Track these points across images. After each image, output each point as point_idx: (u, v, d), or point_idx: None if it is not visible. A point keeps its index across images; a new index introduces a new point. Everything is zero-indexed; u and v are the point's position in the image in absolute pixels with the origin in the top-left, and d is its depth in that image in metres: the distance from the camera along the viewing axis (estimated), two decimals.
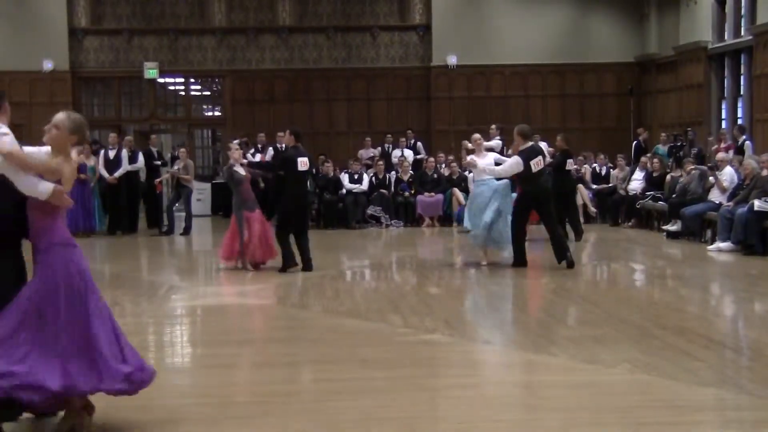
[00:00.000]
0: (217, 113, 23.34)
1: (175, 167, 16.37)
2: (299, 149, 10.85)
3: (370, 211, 17.44)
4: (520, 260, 10.76)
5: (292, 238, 10.78)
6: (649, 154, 17.61)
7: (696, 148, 16.98)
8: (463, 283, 10.32)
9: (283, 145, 17.42)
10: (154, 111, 22.23)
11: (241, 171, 11.19)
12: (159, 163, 17.59)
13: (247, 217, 10.95)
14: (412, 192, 17.69)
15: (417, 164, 18.74)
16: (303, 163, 10.68)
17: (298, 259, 10.72)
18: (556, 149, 15.00)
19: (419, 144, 19.92)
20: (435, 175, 17.86)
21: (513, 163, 10.79)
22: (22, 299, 4.48)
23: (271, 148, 17.91)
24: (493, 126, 16.64)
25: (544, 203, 10.86)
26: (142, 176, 17.34)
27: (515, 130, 11.04)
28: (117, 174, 16.27)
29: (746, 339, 7.11)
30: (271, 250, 11.00)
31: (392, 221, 17.38)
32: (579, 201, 16.65)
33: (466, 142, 11.93)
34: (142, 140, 20.16)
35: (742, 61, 18.60)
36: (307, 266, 10.74)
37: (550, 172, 13.45)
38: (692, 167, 14.64)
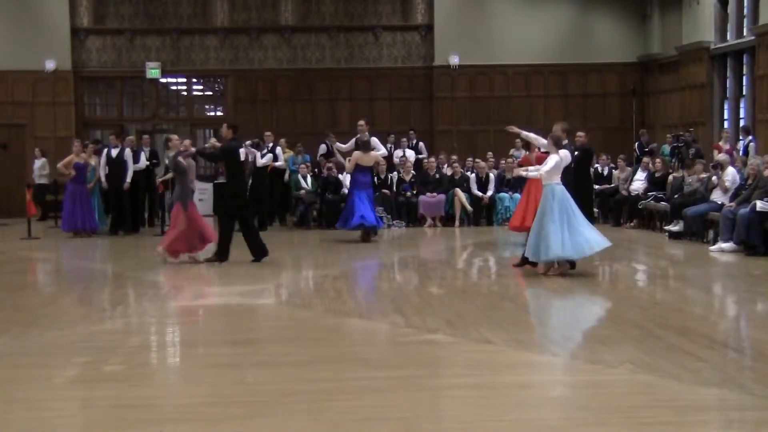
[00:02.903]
0: (219, 113, 23.33)
1: None
2: (239, 142, 11.69)
3: None
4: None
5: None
6: (651, 152, 17.61)
7: (693, 148, 16.97)
8: (464, 283, 10.31)
9: (270, 144, 17.31)
10: (157, 111, 22.24)
11: (184, 162, 11.59)
12: (148, 163, 17.40)
13: (190, 208, 11.47)
14: (414, 192, 17.69)
15: (419, 164, 18.72)
16: (242, 153, 11.64)
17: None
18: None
19: (421, 144, 19.91)
20: (437, 176, 17.87)
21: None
22: None
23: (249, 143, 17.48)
24: (362, 121, 16.52)
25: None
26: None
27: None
28: (128, 179, 16.23)
29: (749, 339, 7.09)
30: (187, 245, 11.49)
31: (394, 221, 17.37)
32: None
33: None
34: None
35: (744, 62, 18.59)
36: (258, 255, 11.32)
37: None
38: (704, 174, 14.39)
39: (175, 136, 12.47)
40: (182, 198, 11.48)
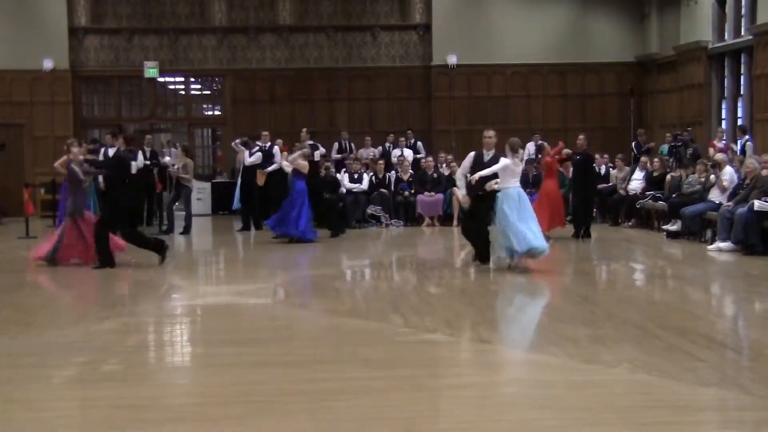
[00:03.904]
0: (217, 112, 23.35)
1: (175, 167, 16.31)
2: (133, 152, 11.68)
3: (370, 210, 17.43)
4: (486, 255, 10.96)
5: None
6: (648, 151, 17.63)
7: (691, 148, 16.98)
8: (463, 282, 10.31)
9: (267, 144, 17.27)
10: (155, 110, 22.23)
11: (80, 172, 11.53)
12: (147, 163, 17.30)
13: (87, 218, 11.48)
14: (412, 191, 17.69)
15: (417, 164, 18.74)
16: (135, 165, 11.57)
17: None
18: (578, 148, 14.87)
19: (419, 144, 19.93)
20: (435, 175, 17.87)
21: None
22: None
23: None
24: (304, 130, 17.05)
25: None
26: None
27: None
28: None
29: (747, 339, 7.10)
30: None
31: (392, 221, 17.38)
32: None
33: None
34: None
35: (742, 61, 18.61)
36: (163, 251, 11.33)
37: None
38: (705, 173, 14.34)
39: (75, 148, 12.37)
40: (73, 213, 11.46)
